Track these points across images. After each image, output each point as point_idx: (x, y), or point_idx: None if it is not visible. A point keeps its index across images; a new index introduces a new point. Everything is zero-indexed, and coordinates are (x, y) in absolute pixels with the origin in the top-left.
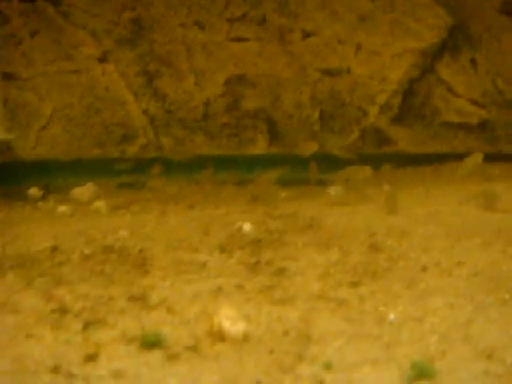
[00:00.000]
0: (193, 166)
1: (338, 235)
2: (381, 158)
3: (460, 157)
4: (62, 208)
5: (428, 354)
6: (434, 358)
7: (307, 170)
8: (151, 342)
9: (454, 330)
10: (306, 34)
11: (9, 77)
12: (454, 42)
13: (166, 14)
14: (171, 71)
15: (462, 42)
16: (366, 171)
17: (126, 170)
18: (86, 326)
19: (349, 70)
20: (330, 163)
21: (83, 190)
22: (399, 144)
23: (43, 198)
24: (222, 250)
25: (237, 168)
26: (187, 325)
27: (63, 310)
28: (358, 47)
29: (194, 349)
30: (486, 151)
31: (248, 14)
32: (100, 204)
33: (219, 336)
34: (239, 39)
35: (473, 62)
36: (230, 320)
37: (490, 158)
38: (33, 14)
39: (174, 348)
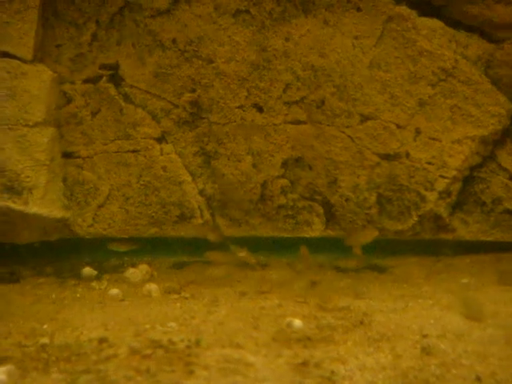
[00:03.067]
0: (248, 247)
1: (389, 335)
2: (438, 244)
3: None
4: (115, 291)
5: None
6: None
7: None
8: None
9: None
10: (365, 118)
11: (69, 155)
12: None
13: (225, 96)
14: (229, 152)
15: None
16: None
17: (181, 250)
18: None
19: (407, 155)
20: (386, 248)
21: (136, 271)
22: (458, 231)
23: (97, 277)
24: (271, 348)
25: (292, 251)
26: None
27: None
28: (418, 132)
29: None
30: None
31: (307, 97)
32: (152, 287)
33: None
34: (297, 122)
35: None
36: None
37: None
38: (94, 95)
39: None
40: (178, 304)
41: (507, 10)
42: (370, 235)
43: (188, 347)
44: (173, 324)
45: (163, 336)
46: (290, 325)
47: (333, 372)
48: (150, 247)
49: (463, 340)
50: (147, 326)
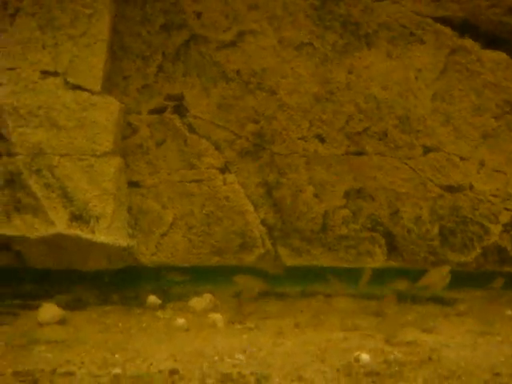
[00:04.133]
0: (309, 278)
1: (459, 373)
2: (503, 277)
3: None
4: (180, 320)
5: None
6: None
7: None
8: None
9: None
10: (428, 150)
11: (134, 185)
12: None
13: (288, 128)
14: (290, 183)
15: None
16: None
17: (244, 280)
18: None
19: (471, 187)
20: (450, 280)
21: (200, 300)
22: None
23: (161, 306)
24: (339, 382)
25: (354, 281)
26: None
27: None
28: (481, 164)
29: None
30: None
31: (369, 128)
32: (216, 317)
33: None
34: (359, 153)
35: None
36: None
37: None
38: (159, 125)
39: None
40: (244, 336)
41: None
42: (443, 271)
43: (258, 381)
44: (240, 356)
45: (233, 369)
46: (357, 359)
47: None
48: (212, 276)
49: None
50: (216, 358)
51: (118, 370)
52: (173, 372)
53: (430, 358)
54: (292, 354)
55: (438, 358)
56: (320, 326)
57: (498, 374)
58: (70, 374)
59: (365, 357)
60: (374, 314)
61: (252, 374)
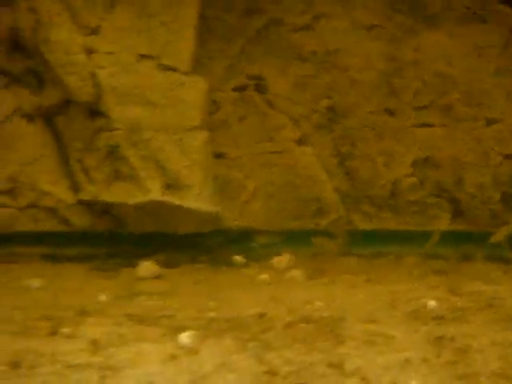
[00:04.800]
0: (379, 240)
1: None
2: None
3: None
4: (263, 276)
5: None
6: None
7: (487, 248)
8: None
9: None
10: (490, 122)
11: (219, 156)
12: None
13: (359, 102)
14: (362, 154)
15: None
16: None
17: (320, 242)
18: None
19: None
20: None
21: (281, 259)
22: None
23: (246, 265)
24: (408, 324)
25: (421, 244)
26: None
27: (273, 373)
28: None
29: None
30: None
31: (435, 102)
32: (296, 273)
33: None
34: (425, 125)
35: None
36: None
37: None
38: (241, 102)
39: None
40: (321, 288)
41: None
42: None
43: (335, 321)
44: (319, 303)
45: (313, 312)
46: (424, 305)
47: (467, 346)
48: (292, 239)
49: None
50: (297, 305)
51: (213, 314)
52: (261, 315)
53: (491, 305)
54: (365, 302)
55: (499, 304)
56: (390, 281)
57: None
58: (172, 316)
59: (431, 303)
60: (440, 271)
61: (330, 316)
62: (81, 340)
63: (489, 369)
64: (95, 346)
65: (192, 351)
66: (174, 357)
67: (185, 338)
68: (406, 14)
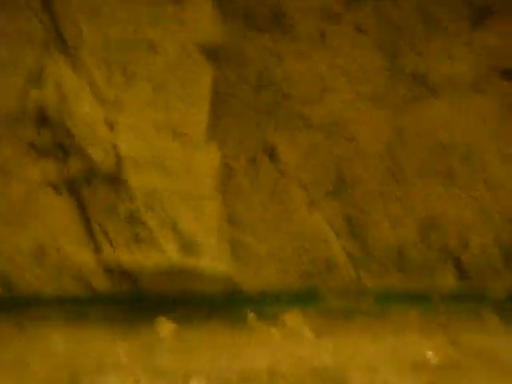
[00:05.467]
0: (386, 298)
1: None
2: None
3: None
4: (274, 332)
5: None
6: None
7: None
8: None
9: None
10: (492, 185)
11: (233, 222)
12: None
13: (366, 171)
14: (371, 218)
15: None
16: None
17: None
18: None
19: None
20: None
21: (291, 316)
22: None
23: (258, 321)
24: (410, 373)
25: (426, 302)
26: None
27: None
28: None
29: None
30: None
31: (439, 169)
32: (306, 329)
33: None
34: (431, 190)
35: None
36: None
37: None
38: (254, 171)
39: None
40: (328, 343)
41: None
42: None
43: (338, 372)
44: (327, 356)
45: (317, 363)
46: (424, 356)
47: None
48: (301, 297)
49: None
50: (305, 357)
51: (224, 364)
52: (271, 367)
53: (488, 358)
54: (370, 355)
55: (496, 359)
56: (391, 333)
57: None
58: (184, 367)
59: (430, 354)
60: (442, 325)
61: (335, 367)
62: None
63: None
64: None
65: None
66: None
67: None
68: (407, 85)
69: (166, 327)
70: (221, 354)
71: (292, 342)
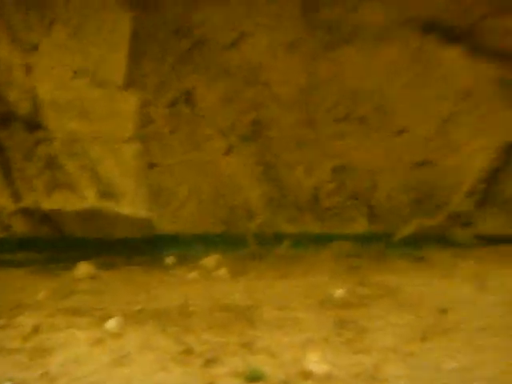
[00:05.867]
0: (301, 241)
1: (411, 300)
2: (464, 237)
3: None
4: (192, 274)
5: None
6: None
7: (399, 247)
8: (254, 378)
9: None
10: (401, 131)
11: (153, 165)
12: None
13: (281, 115)
14: (284, 162)
15: None
16: None
17: (247, 244)
18: (206, 363)
19: (437, 162)
20: (421, 241)
21: (210, 259)
22: (480, 226)
23: (177, 265)
24: (317, 309)
25: (339, 245)
26: (283, 366)
27: (189, 352)
28: (446, 142)
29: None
30: None
31: (351, 114)
32: (222, 271)
33: (307, 375)
34: (343, 135)
35: None
36: (315, 362)
37: None
38: (173, 115)
39: (271, 382)
40: (244, 282)
41: None
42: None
43: (251, 309)
44: (239, 295)
45: (232, 302)
46: (332, 294)
47: (365, 326)
48: (220, 241)
49: (471, 304)
50: (218, 295)
51: (140, 307)
52: (184, 305)
53: (391, 293)
54: (281, 294)
55: (397, 292)
56: (307, 275)
57: (441, 302)
58: (102, 308)
59: (339, 292)
60: (353, 267)
61: (247, 305)
62: (16, 329)
63: (382, 344)
64: (28, 333)
65: (117, 335)
66: (99, 340)
67: (111, 324)
68: (322, 32)
69: (84, 269)
70: (138, 296)
71: (208, 283)
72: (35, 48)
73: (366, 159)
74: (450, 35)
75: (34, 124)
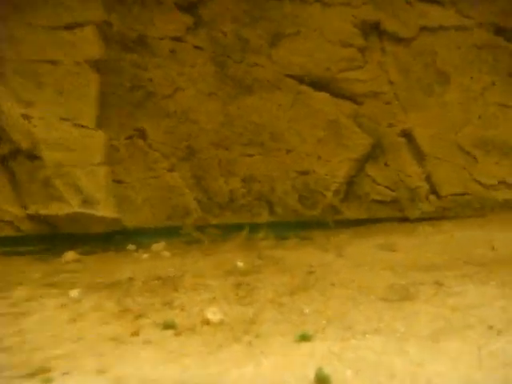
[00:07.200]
0: (225, 231)
1: (291, 267)
2: (335, 222)
3: (378, 221)
4: (144, 256)
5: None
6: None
7: (292, 230)
8: (168, 326)
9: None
10: (288, 150)
11: (118, 182)
12: (374, 153)
13: (206, 143)
14: (211, 175)
15: (379, 153)
16: None
17: (185, 234)
18: (136, 317)
19: (314, 171)
20: (307, 226)
21: (158, 245)
22: (345, 213)
23: (136, 250)
24: (223, 276)
25: (252, 231)
26: (190, 317)
27: (126, 310)
28: (319, 157)
29: (191, 329)
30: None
31: (253, 140)
32: (165, 253)
33: (206, 322)
34: (249, 155)
35: (386, 164)
36: (213, 313)
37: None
38: (130, 146)
39: (180, 329)
40: (178, 260)
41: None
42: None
43: (176, 278)
44: (171, 269)
45: (164, 273)
46: (236, 265)
47: (255, 286)
48: (166, 232)
49: (330, 267)
50: (157, 270)
51: (100, 280)
52: (130, 278)
53: (277, 262)
54: (201, 267)
55: (281, 261)
56: (222, 253)
57: (311, 266)
58: (74, 282)
59: (240, 264)
60: (256, 247)
61: (174, 275)
62: (10, 299)
63: (263, 298)
64: (16, 302)
65: (77, 301)
66: (64, 305)
67: (73, 293)
68: (231, 84)
69: (70, 256)
70: (102, 272)
71: (153, 262)
72: (31, 103)
73: (266, 171)
74: (318, 84)
75: (33, 156)
